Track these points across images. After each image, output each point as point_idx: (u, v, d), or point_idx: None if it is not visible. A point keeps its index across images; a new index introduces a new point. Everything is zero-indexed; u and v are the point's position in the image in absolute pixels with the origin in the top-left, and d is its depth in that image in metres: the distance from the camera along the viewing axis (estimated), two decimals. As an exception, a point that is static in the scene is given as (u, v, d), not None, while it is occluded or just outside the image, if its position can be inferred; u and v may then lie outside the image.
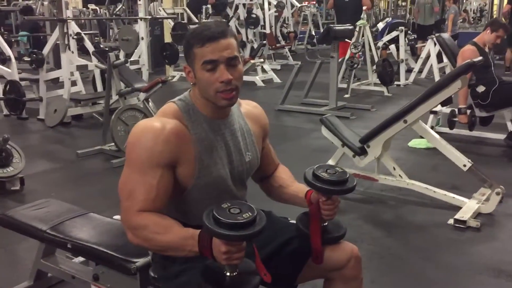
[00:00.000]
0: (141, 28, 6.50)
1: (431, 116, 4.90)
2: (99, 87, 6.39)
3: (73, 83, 6.19)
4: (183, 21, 9.71)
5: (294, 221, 1.64)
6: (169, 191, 1.41)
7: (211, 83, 1.39)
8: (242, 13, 10.21)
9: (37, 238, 2.04)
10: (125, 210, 1.39)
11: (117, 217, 2.42)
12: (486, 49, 4.60)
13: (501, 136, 4.66)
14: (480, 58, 3.40)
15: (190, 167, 1.43)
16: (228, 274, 1.29)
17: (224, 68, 1.38)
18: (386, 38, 8.58)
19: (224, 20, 9.49)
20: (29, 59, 5.87)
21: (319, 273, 1.60)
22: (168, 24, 9.27)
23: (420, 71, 8.42)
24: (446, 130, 4.83)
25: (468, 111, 4.50)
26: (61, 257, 2.19)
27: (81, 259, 2.22)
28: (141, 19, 6.54)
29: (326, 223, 1.57)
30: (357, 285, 1.59)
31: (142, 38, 6.41)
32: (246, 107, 1.64)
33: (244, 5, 10.25)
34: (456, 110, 4.56)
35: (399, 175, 3.34)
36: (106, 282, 1.89)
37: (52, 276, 2.27)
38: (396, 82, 7.77)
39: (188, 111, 1.46)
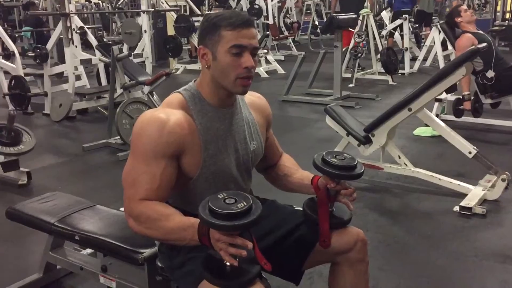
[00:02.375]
0: (144, 21, 6.49)
1: (436, 104, 4.88)
2: (104, 81, 6.40)
3: (78, 78, 6.20)
4: (185, 14, 9.69)
5: (299, 208, 1.66)
6: (172, 181, 1.43)
7: (234, 67, 1.40)
8: (245, 4, 10.18)
9: (45, 230, 2.06)
10: (127, 198, 1.41)
11: (124, 209, 2.45)
12: (480, 31, 4.61)
13: (507, 123, 4.64)
14: (485, 44, 3.38)
15: (196, 156, 1.44)
16: (228, 263, 1.30)
17: (249, 55, 1.40)
18: (390, 26, 8.53)
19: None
20: (33, 54, 5.89)
21: (326, 258, 1.62)
22: (171, 17, 9.24)
23: (425, 59, 8.38)
24: (451, 118, 4.81)
25: (472, 98, 4.48)
26: (69, 249, 2.22)
27: (89, 251, 2.25)
28: (143, 12, 6.53)
29: (333, 208, 1.59)
30: (363, 268, 1.60)
31: (145, 31, 6.40)
32: (250, 97, 1.65)
33: (246, -4, 10.22)
34: (461, 97, 4.54)
35: (404, 163, 3.34)
36: (114, 273, 1.92)
37: (61, 268, 2.30)
38: (400, 71, 7.74)
39: (193, 100, 1.47)
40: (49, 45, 6.02)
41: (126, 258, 1.78)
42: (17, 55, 5.94)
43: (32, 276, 2.28)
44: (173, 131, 1.40)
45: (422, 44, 8.62)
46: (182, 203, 1.48)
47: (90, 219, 2.03)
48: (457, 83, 3.31)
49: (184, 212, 1.41)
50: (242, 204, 1.25)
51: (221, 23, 1.39)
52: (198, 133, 1.44)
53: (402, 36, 8.32)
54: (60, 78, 6.67)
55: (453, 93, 4.90)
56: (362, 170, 1.55)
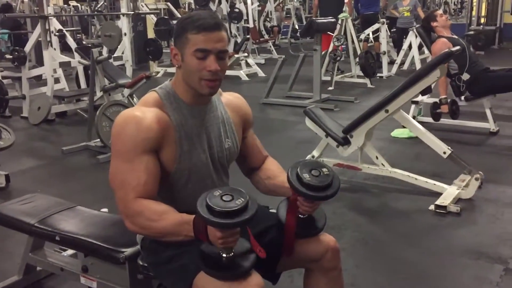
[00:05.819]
0: (123, 24, 6.48)
1: (413, 106, 4.98)
2: (83, 84, 6.36)
3: (56, 80, 6.15)
4: (165, 17, 9.68)
5: (274, 210, 1.64)
6: (157, 175, 1.47)
7: (198, 70, 1.44)
8: (225, 7, 10.21)
9: (25, 232, 2.06)
10: (119, 199, 1.44)
11: (105, 209, 2.45)
12: (455, 35, 4.74)
13: (482, 125, 4.76)
14: (458, 47, 3.48)
15: (172, 152, 1.48)
16: (224, 255, 1.34)
17: (214, 59, 1.43)
18: (368, 30, 8.66)
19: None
20: (11, 56, 5.83)
21: (298, 264, 1.62)
22: (151, 20, 9.24)
23: (402, 63, 8.53)
24: (428, 120, 4.91)
25: (449, 100, 4.59)
26: (49, 251, 2.22)
27: (70, 252, 2.25)
28: (123, 14, 6.52)
29: (305, 215, 1.56)
30: (336, 275, 1.61)
31: (125, 34, 6.39)
32: (227, 97, 1.69)
33: (227, -1, 10.26)
34: (438, 100, 4.64)
35: (382, 164, 3.41)
36: (95, 273, 1.93)
37: (41, 270, 2.29)
38: (379, 74, 7.86)
39: (168, 98, 1.52)
40: (27, 47, 5.96)
41: (107, 258, 1.80)
42: (-6, 58, 5.88)
43: (11, 279, 2.26)
44: (149, 127, 1.44)
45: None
46: (163, 201, 1.50)
47: (70, 220, 2.03)
48: (432, 86, 3.38)
49: None
50: (239, 200, 1.28)
51: (187, 26, 1.44)
52: (173, 129, 1.49)
53: (375, 39, 8.45)
54: (39, 81, 6.62)
55: (429, 95, 5.03)
56: (335, 190, 1.48)
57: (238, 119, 1.67)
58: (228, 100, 1.68)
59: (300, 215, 1.55)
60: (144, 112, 1.46)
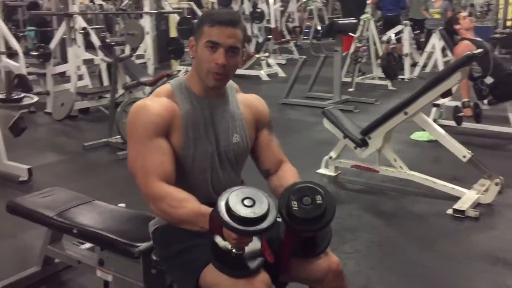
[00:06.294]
0: (146, 23, 6.55)
1: (434, 109, 4.92)
2: (106, 81, 6.45)
3: (80, 77, 6.25)
4: (188, 16, 9.75)
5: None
6: (172, 155, 1.52)
7: (207, 61, 1.50)
8: (247, 7, 10.22)
9: (44, 224, 2.11)
10: (141, 184, 1.49)
11: (122, 204, 2.49)
12: (479, 38, 4.66)
13: (504, 129, 4.68)
14: (480, 50, 3.43)
15: (178, 137, 1.54)
16: (234, 251, 1.36)
17: (223, 53, 1.48)
18: (390, 32, 8.58)
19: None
20: (37, 53, 5.95)
21: (300, 281, 1.60)
22: (174, 19, 9.31)
23: (425, 65, 8.43)
24: (450, 123, 4.86)
25: (472, 103, 4.53)
26: (67, 244, 2.26)
27: (88, 246, 2.29)
28: (146, 13, 6.59)
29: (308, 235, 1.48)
30: None
31: (148, 33, 6.46)
32: (244, 95, 1.72)
33: (249, -1, 10.28)
34: (460, 104, 4.58)
35: (400, 166, 3.38)
36: (111, 266, 1.96)
37: (59, 262, 2.35)
38: (400, 76, 7.78)
39: (180, 89, 1.59)
40: (52, 44, 6.08)
41: (122, 251, 1.83)
42: (20, 54, 5.99)
43: (30, 269, 2.32)
44: (158, 113, 1.52)
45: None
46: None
47: (88, 214, 2.08)
48: (453, 89, 3.34)
49: None
50: (259, 209, 1.28)
51: (205, 19, 1.51)
52: (180, 117, 1.54)
53: (398, 40, 8.37)
54: (63, 77, 6.73)
55: (451, 98, 4.96)
56: (326, 221, 1.38)
57: (251, 116, 1.68)
58: (244, 97, 1.70)
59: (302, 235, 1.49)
60: (153, 101, 1.55)
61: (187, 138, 1.55)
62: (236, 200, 1.29)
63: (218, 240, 1.38)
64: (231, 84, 1.67)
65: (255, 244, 1.40)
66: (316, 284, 1.55)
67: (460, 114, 4.59)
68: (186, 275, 1.47)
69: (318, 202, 1.37)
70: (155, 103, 1.54)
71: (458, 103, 4.60)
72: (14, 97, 3.54)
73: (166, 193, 1.45)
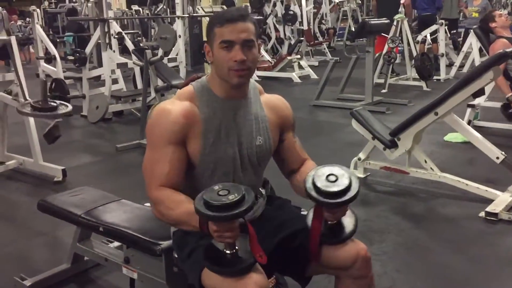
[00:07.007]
0: (178, 27, 6.67)
1: (469, 109, 4.79)
2: (139, 85, 6.57)
3: (115, 81, 6.40)
4: (221, 19, 9.83)
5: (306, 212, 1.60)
6: (182, 166, 1.53)
7: (226, 61, 1.48)
8: (279, 10, 10.26)
9: (72, 222, 2.17)
10: (147, 186, 1.54)
11: (148, 204, 2.53)
12: None
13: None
14: (514, 48, 3.31)
15: (197, 143, 1.54)
16: (228, 252, 1.37)
17: (239, 49, 1.47)
18: (425, 32, 8.41)
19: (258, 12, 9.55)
20: (73, 58, 6.13)
21: (326, 270, 1.59)
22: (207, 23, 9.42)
23: (462, 66, 8.22)
24: (485, 124, 4.73)
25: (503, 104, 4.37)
26: (96, 242, 2.32)
27: (116, 244, 2.34)
28: (178, 17, 6.70)
29: (333, 222, 1.51)
30: (367, 283, 1.55)
31: (180, 36, 6.57)
32: (268, 96, 1.70)
33: (281, 1, 10.28)
34: (506, 100, 4.41)
35: (431, 168, 3.31)
36: (136, 264, 2.00)
37: (88, 260, 2.41)
38: (436, 77, 7.62)
39: (201, 91, 1.57)
40: (88, 49, 6.25)
41: (145, 249, 1.86)
42: (58, 59, 6.19)
43: (61, 266, 2.40)
44: (175, 121, 1.51)
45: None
46: (189, 191, 1.54)
47: (114, 212, 2.13)
48: (484, 89, 3.24)
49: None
50: (234, 195, 1.30)
51: (214, 21, 1.50)
52: (200, 122, 1.53)
53: (433, 40, 8.19)
54: (98, 81, 6.91)
55: (487, 99, 4.81)
56: (355, 193, 1.40)
57: (275, 119, 1.67)
58: (267, 99, 1.69)
59: (328, 221, 1.51)
60: (174, 105, 1.54)
61: (206, 143, 1.54)
62: (212, 192, 1.32)
63: (214, 241, 1.40)
64: (254, 85, 1.67)
65: (247, 244, 1.39)
66: (343, 271, 1.53)
67: (511, 110, 4.39)
68: (192, 276, 1.49)
69: (342, 179, 1.42)
70: (175, 108, 1.52)
71: (505, 102, 4.36)
72: (49, 106, 3.61)
73: (164, 196, 1.48)
